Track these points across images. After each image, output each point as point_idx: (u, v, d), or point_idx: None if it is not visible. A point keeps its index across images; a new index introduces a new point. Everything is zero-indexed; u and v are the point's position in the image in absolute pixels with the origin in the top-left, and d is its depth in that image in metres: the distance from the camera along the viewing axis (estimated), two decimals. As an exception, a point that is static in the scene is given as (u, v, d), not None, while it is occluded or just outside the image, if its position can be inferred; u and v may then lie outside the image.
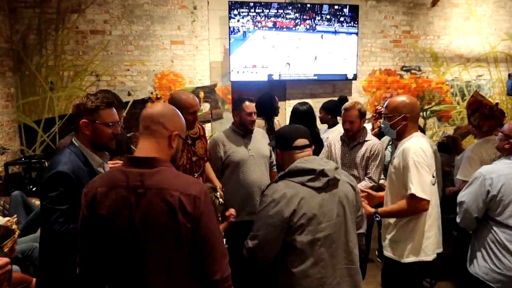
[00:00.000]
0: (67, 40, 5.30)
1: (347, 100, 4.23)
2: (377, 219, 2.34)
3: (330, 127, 4.14)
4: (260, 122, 3.77)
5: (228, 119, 5.59)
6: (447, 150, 3.61)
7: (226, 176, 3.13)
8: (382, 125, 2.49)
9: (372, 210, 2.36)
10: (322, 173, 1.82)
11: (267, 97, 3.97)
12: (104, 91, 2.55)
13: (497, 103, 3.22)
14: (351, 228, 1.90)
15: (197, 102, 2.70)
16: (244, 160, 3.07)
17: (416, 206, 2.21)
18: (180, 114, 1.59)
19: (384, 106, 2.48)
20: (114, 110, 1.98)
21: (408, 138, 2.34)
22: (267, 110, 3.87)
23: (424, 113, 6.64)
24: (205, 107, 5.79)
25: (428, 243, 2.34)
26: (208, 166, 3.05)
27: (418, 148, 2.24)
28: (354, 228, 1.94)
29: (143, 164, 1.44)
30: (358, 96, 6.30)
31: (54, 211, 1.75)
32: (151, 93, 5.59)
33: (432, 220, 2.35)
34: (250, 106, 3.04)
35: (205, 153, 2.92)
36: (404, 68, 6.47)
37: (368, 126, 3.52)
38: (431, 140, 3.10)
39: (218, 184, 2.93)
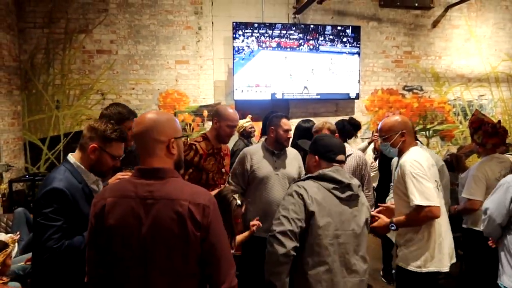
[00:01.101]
0: (74, 59, 5.40)
1: (358, 123, 4.30)
2: (393, 228, 2.36)
3: None
4: None
5: (231, 138, 5.60)
6: (451, 168, 3.61)
7: (249, 192, 3.10)
8: (382, 148, 2.55)
9: (388, 220, 2.39)
10: (349, 187, 1.97)
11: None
12: (116, 104, 2.55)
13: (499, 121, 3.23)
14: (362, 242, 2.00)
15: (238, 118, 2.85)
16: (268, 177, 3.03)
17: (426, 215, 2.22)
18: (172, 117, 1.56)
19: (378, 129, 2.55)
20: (123, 145, 1.99)
21: (406, 153, 2.40)
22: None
23: (427, 132, 6.66)
24: (209, 125, 5.82)
25: (444, 252, 2.34)
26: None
27: (413, 161, 2.30)
28: (365, 244, 2.04)
29: (151, 175, 1.45)
30: (360, 115, 6.34)
31: (49, 227, 1.74)
32: (156, 111, 5.62)
33: (445, 227, 2.38)
34: (287, 123, 3.06)
35: (228, 170, 3.02)
36: (406, 88, 6.53)
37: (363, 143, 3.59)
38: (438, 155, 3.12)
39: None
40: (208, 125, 5.83)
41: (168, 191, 1.43)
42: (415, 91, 6.57)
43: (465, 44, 6.62)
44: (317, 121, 4.50)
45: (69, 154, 1.95)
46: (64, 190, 1.77)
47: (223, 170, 2.89)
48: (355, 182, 2.01)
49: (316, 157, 2.09)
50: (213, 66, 5.78)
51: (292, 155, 3.23)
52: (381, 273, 4.20)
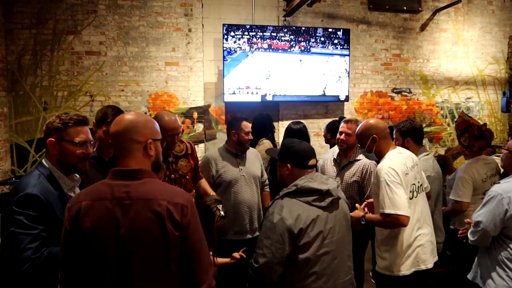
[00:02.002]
0: (62, 60, 5.34)
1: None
2: (363, 223, 2.40)
3: (331, 147, 4.16)
4: (267, 142, 3.81)
5: (221, 139, 5.61)
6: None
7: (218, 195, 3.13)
8: (362, 153, 2.59)
9: (362, 214, 2.41)
10: (328, 193, 1.92)
11: (266, 117, 4.05)
12: (113, 107, 2.43)
13: (485, 123, 3.28)
14: (347, 244, 2.01)
15: (179, 126, 2.66)
16: (236, 179, 3.09)
17: (393, 222, 2.26)
18: (151, 119, 1.56)
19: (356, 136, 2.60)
20: (86, 129, 1.86)
21: (384, 157, 2.44)
22: (266, 130, 3.94)
23: (415, 134, 6.71)
24: (199, 127, 5.82)
25: (419, 255, 2.39)
26: (205, 183, 3.03)
27: (389, 168, 2.32)
28: (350, 243, 2.05)
29: (128, 176, 1.44)
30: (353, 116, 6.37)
31: (25, 236, 1.60)
32: (145, 113, 5.59)
33: (414, 234, 2.40)
34: (248, 125, 3.11)
35: (190, 171, 2.87)
36: (395, 90, 6.59)
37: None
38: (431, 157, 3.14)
39: (213, 193, 2.94)
40: (198, 127, 5.82)
41: (145, 191, 1.42)
42: (404, 93, 6.64)
43: (453, 48, 6.70)
44: (306, 123, 4.55)
45: (44, 158, 1.85)
46: (39, 196, 1.66)
47: (173, 176, 2.74)
48: (333, 186, 1.96)
49: (288, 165, 2.02)
50: (203, 68, 5.76)
51: (253, 154, 3.30)
52: (371, 274, 4.22)
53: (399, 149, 2.52)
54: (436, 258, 2.56)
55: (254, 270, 1.87)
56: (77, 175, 1.93)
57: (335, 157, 3.25)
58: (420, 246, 2.41)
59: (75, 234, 1.39)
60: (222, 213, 2.29)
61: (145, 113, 5.59)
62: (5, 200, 1.75)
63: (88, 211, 1.39)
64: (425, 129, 6.74)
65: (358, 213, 2.42)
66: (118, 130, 1.47)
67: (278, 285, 1.89)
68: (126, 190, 1.41)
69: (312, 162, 2.03)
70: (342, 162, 3.15)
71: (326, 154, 3.69)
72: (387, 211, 2.24)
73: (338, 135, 3.16)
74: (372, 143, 2.45)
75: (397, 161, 2.38)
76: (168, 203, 1.40)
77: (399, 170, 2.32)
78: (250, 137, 3.13)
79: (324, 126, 4.41)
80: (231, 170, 3.11)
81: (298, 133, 3.75)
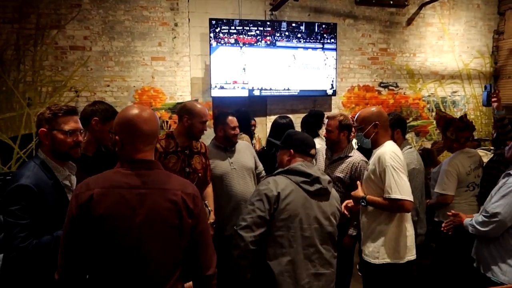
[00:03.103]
0: (46, 55, 5.26)
1: (319, 112, 4.33)
2: (363, 204, 2.45)
3: None
4: (246, 137, 3.82)
5: (209, 134, 5.57)
6: (424, 163, 3.67)
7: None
8: (356, 138, 2.58)
9: (361, 194, 2.46)
10: (317, 180, 2.00)
11: (244, 113, 4.07)
12: (101, 102, 2.49)
13: (465, 114, 3.33)
14: (327, 236, 2.04)
15: (207, 113, 2.81)
16: (226, 173, 3.08)
17: (399, 207, 2.31)
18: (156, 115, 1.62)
19: (354, 120, 2.58)
20: (75, 118, 1.94)
21: (382, 145, 2.44)
22: (245, 126, 3.95)
23: (402, 128, 6.77)
24: (206, 128, 5.77)
25: (406, 246, 2.43)
26: (210, 190, 3.02)
27: (393, 153, 2.36)
28: (334, 239, 2.09)
29: (142, 166, 1.49)
30: (337, 112, 6.39)
31: (15, 225, 1.69)
32: (132, 109, 5.54)
33: (409, 222, 2.46)
34: (233, 120, 3.12)
35: (202, 169, 2.90)
36: (382, 85, 6.63)
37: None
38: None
39: (211, 218, 2.89)
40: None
41: (160, 181, 1.48)
42: (390, 87, 6.68)
43: (439, 42, 6.76)
44: (294, 118, 4.55)
45: (39, 149, 1.92)
46: (30, 187, 1.72)
47: (187, 169, 2.78)
48: (324, 177, 2.06)
49: (291, 150, 2.14)
50: (190, 63, 5.72)
51: (243, 146, 3.30)
52: (358, 266, 4.25)
53: (392, 142, 2.54)
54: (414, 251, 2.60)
55: (235, 234, 1.97)
56: (73, 164, 2.01)
57: (326, 152, 3.26)
58: (409, 236, 2.46)
59: (85, 220, 1.41)
60: (209, 208, 2.35)
61: (132, 108, 5.52)
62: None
63: (101, 198, 1.41)
64: (411, 123, 6.80)
65: (358, 192, 2.49)
66: (154, 128, 1.53)
67: (258, 264, 1.97)
68: (142, 179, 1.46)
69: (313, 151, 2.16)
70: (333, 157, 3.15)
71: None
72: (393, 196, 2.27)
73: (324, 133, 3.21)
74: (372, 129, 2.47)
75: (398, 149, 2.43)
76: (182, 192, 1.49)
77: (401, 156, 2.38)
78: (237, 131, 3.13)
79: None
80: (221, 164, 3.10)
81: (285, 127, 3.74)
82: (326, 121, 3.20)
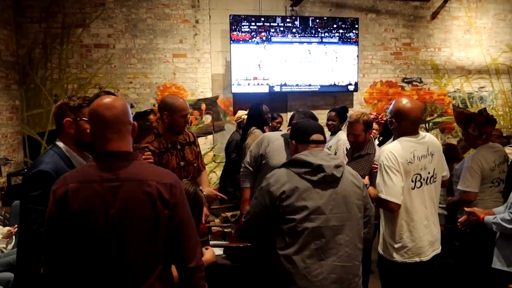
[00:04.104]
0: (72, 53, 5.41)
1: (346, 109, 4.24)
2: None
3: (332, 134, 4.08)
4: (259, 132, 3.81)
5: (229, 130, 5.62)
6: (446, 158, 3.56)
7: (258, 179, 3.05)
8: (390, 126, 2.53)
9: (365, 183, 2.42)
10: (320, 169, 1.89)
11: (255, 107, 4.05)
12: (106, 92, 2.53)
13: (484, 108, 3.21)
14: (347, 227, 1.92)
15: (188, 106, 2.74)
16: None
17: (384, 206, 2.33)
18: (124, 101, 1.59)
19: (388, 112, 2.53)
20: None
21: (391, 141, 2.40)
22: (258, 121, 3.94)
23: (427, 124, 6.63)
24: (207, 119, 5.84)
25: (419, 244, 2.36)
26: (205, 175, 3.05)
27: (389, 153, 2.30)
28: (354, 228, 1.95)
29: (115, 158, 1.46)
30: (359, 108, 6.31)
31: (34, 211, 1.71)
32: (154, 105, 5.64)
33: (414, 225, 2.35)
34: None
35: (195, 159, 2.90)
36: (405, 80, 6.50)
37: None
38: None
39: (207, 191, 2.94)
40: (206, 118, 5.84)
41: (134, 172, 1.45)
42: (414, 83, 6.54)
43: (465, 36, 6.56)
44: (316, 114, 4.50)
45: (58, 139, 1.94)
46: (50, 173, 1.74)
47: (182, 163, 2.77)
48: (330, 163, 1.92)
49: (293, 142, 2.10)
50: (211, 59, 5.77)
51: None
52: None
53: (420, 134, 2.44)
54: (439, 251, 2.51)
55: (243, 223, 2.08)
56: (89, 155, 2.02)
57: (347, 148, 3.21)
58: (418, 236, 2.36)
59: (62, 216, 1.41)
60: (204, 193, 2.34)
61: (153, 105, 5.63)
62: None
63: (76, 194, 1.40)
64: (436, 119, 6.65)
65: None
66: (116, 114, 1.47)
67: (269, 251, 1.97)
68: (115, 171, 1.43)
69: (315, 137, 2.03)
70: (354, 154, 3.10)
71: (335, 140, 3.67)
72: (380, 195, 2.29)
73: (347, 136, 3.09)
74: (396, 123, 2.41)
75: (402, 147, 2.32)
76: (157, 183, 1.43)
77: (401, 157, 2.28)
78: None
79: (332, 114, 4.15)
80: (279, 156, 2.95)
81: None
82: (348, 125, 3.07)
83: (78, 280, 1.45)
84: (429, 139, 2.49)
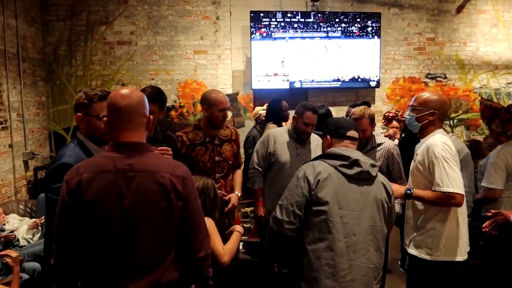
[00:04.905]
0: (95, 51, 5.52)
1: (368, 104, 4.19)
2: (408, 192, 2.27)
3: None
4: (273, 126, 3.80)
5: (249, 126, 5.62)
6: (471, 155, 3.48)
7: (269, 177, 3.10)
8: (407, 116, 2.44)
9: (403, 189, 2.29)
10: (356, 163, 1.87)
11: (274, 103, 4.03)
12: (149, 87, 2.51)
13: (510, 105, 3.11)
14: (375, 228, 1.88)
15: (227, 100, 2.74)
16: (290, 163, 3.01)
17: (450, 201, 2.16)
18: (142, 93, 1.58)
19: (414, 98, 2.45)
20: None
21: (432, 134, 2.30)
22: (276, 116, 3.93)
23: (451, 121, 6.48)
24: (227, 115, 5.85)
25: (458, 242, 2.27)
26: (239, 176, 3.00)
27: (445, 144, 2.20)
28: (380, 231, 1.91)
29: (129, 149, 1.47)
30: (381, 104, 6.23)
31: (58, 202, 1.73)
32: (175, 101, 5.71)
33: (463, 218, 2.29)
34: (310, 117, 2.98)
35: (232, 156, 2.88)
36: (429, 76, 6.36)
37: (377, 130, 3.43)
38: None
39: (238, 190, 2.92)
40: (228, 114, 5.85)
41: (148, 163, 1.46)
42: (438, 79, 6.39)
43: (492, 30, 6.36)
44: (336, 111, 4.48)
45: (77, 132, 1.97)
46: (72, 165, 1.73)
47: (217, 158, 2.77)
48: (366, 160, 1.91)
49: (328, 137, 2.05)
50: (231, 56, 5.79)
51: (316, 143, 3.15)
52: (399, 263, 4.14)
53: (445, 132, 2.40)
54: (468, 248, 2.44)
55: (273, 221, 1.89)
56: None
57: None
58: (459, 233, 2.29)
59: (76, 206, 1.42)
60: (236, 193, 2.37)
61: (175, 101, 5.70)
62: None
63: (90, 184, 1.41)
64: (461, 116, 6.48)
65: (398, 187, 2.29)
66: (131, 104, 1.47)
67: (296, 245, 1.90)
68: (129, 162, 1.44)
69: (351, 133, 2.01)
70: (364, 148, 3.06)
71: None
72: (445, 189, 2.13)
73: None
74: (427, 116, 2.31)
75: (448, 141, 2.26)
76: (171, 175, 1.46)
77: (454, 148, 2.22)
78: (308, 129, 3.01)
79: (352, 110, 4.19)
80: (288, 152, 3.02)
81: (324, 118, 3.68)
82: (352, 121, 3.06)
83: (90, 269, 1.47)
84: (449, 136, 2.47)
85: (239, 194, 2.91)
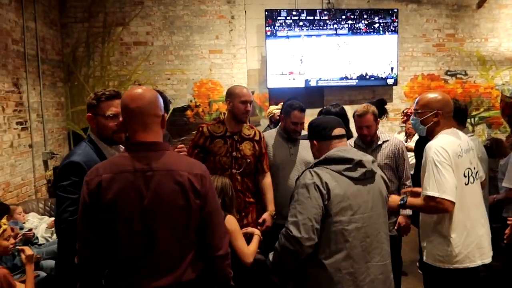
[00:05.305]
0: (113, 51, 5.60)
1: (381, 100, 4.11)
2: (402, 202, 2.22)
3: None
4: None
5: (264, 126, 5.61)
6: (491, 154, 3.36)
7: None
8: (411, 121, 2.38)
9: (398, 198, 2.24)
10: (360, 164, 1.80)
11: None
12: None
13: None
14: (383, 223, 1.86)
15: (250, 94, 2.79)
16: (285, 164, 3.01)
17: (435, 206, 2.07)
18: (155, 93, 1.57)
19: (415, 102, 2.39)
20: (117, 102, 1.90)
21: (436, 136, 2.23)
22: None
23: (472, 119, 6.32)
24: (250, 108, 5.84)
25: (471, 247, 2.16)
26: (268, 181, 2.95)
27: (439, 147, 2.12)
28: (386, 224, 1.90)
29: (147, 148, 1.48)
30: (399, 102, 6.12)
31: (66, 199, 1.76)
32: (190, 101, 5.74)
33: (472, 223, 2.18)
34: (298, 116, 2.94)
35: (252, 156, 2.85)
36: (448, 73, 6.22)
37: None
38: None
39: (271, 209, 2.86)
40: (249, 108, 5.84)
41: (165, 162, 1.47)
42: (458, 76, 6.24)
43: (515, 25, 6.18)
44: (352, 110, 4.40)
45: (90, 131, 2.01)
46: (80, 164, 1.80)
47: (235, 154, 2.77)
48: (367, 158, 1.85)
49: (314, 142, 1.95)
50: (246, 55, 5.78)
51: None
52: (418, 264, 4.06)
53: (453, 130, 2.31)
54: (492, 253, 2.35)
55: (290, 240, 1.73)
56: (122, 147, 2.06)
57: (356, 142, 3.08)
58: (478, 237, 2.19)
59: (97, 206, 1.44)
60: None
61: (190, 101, 5.73)
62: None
63: (109, 184, 1.43)
64: (482, 114, 6.32)
65: (393, 198, 2.24)
66: (141, 105, 1.48)
67: (307, 260, 1.80)
68: (147, 162, 1.45)
69: (337, 131, 1.90)
70: (370, 146, 3.01)
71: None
72: (430, 193, 2.06)
73: (358, 130, 3.01)
74: (431, 118, 2.24)
75: (449, 141, 2.17)
76: (189, 173, 1.47)
77: (451, 151, 2.12)
78: (298, 128, 2.98)
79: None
80: (281, 153, 3.03)
81: (336, 117, 3.62)
82: (356, 118, 2.98)
83: (112, 268, 1.50)
84: (463, 134, 2.35)
85: (273, 213, 2.85)
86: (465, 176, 2.17)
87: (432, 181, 2.07)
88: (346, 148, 1.88)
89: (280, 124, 3.14)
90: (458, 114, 2.78)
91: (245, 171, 2.84)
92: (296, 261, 1.80)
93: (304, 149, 3.06)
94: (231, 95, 2.76)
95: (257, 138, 2.91)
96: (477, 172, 2.27)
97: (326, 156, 1.84)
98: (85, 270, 1.51)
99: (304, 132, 3.15)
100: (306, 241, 1.70)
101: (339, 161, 1.81)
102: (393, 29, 5.76)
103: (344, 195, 1.75)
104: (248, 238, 2.33)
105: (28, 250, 2.61)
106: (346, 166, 1.79)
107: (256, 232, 2.33)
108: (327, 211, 1.74)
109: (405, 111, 4.88)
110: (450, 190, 2.04)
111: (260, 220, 2.78)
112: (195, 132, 2.92)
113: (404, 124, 5.00)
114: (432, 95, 2.29)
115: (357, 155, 1.84)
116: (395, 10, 5.75)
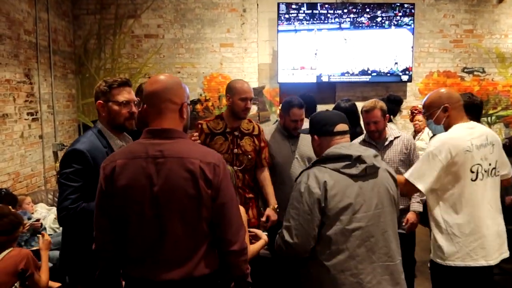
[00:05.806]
0: (124, 44, 5.59)
1: (398, 98, 4.01)
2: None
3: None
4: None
5: (275, 121, 5.55)
6: (509, 152, 3.23)
7: (272, 181, 3.00)
8: (428, 125, 2.34)
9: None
10: (359, 160, 1.72)
11: (309, 98, 3.90)
12: (145, 83, 2.58)
13: None
14: (390, 221, 1.78)
15: (251, 90, 2.70)
16: (288, 161, 2.97)
17: (407, 189, 2.17)
18: (182, 83, 1.57)
19: (422, 106, 2.35)
20: (128, 89, 1.96)
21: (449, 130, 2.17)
22: (311, 112, 3.81)
23: (489, 118, 6.14)
24: (253, 109, 5.79)
25: (481, 246, 2.10)
26: (266, 175, 2.92)
27: (442, 142, 2.10)
28: (395, 222, 1.82)
29: (161, 135, 1.47)
30: (413, 100, 5.98)
31: (68, 187, 1.76)
32: (200, 94, 5.71)
33: (479, 222, 2.11)
34: (297, 113, 2.89)
35: (253, 151, 2.82)
36: (465, 70, 6.05)
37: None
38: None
39: (273, 203, 2.83)
40: (252, 108, 5.78)
41: (178, 149, 1.44)
42: (476, 73, 6.06)
43: (537, 21, 5.97)
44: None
45: (98, 120, 2.00)
46: (84, 152, 1.80)
47: (236, 150, 2.72)
48: (368, 152, 1.76)
49: (315, 137, 1.89)
50: (258, 49, 5.71)
51: (308, 135, 3.10)
52: (429, 265, 3.96)
53: (471, 123, 2.24)
54: (506, 255, 2.25)
55: (283, 243, 1.75)
56: (129, 137, 2.08)
57: (366, 139, 3.00)
58: (483, 237, 2.13)
59: (111, 192, 1.44)
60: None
61: (200, 94, 5.69)
62: None
63: (123, 169, 1.43)
64: (500, 113, 6.14)
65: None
66: (156, 90, 1.47)
67: (307, 262, 1.76)
68: (160, 148, 1.43)
69: (339, 127, 1.82)
70: (382, 143, 2.93)
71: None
72: (408, 176, 2.12)
73: (366, 126, 2.96)
74: (442, 114, 2.19)
75: (458, 136, 2.12)
76: (201, 162, 1.43)
77: (455, 147, 2.07)
78: (297, 125, 2.93)
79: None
80: (282, 151, 2.99)
81: (346, 112, 3.54)
82: (364, 114, 2.92)
83: (126, 255, 1.49)
84: (486, 129, 2.27)
85: (275, 206, 2.81)
86: (472, 172, 2.10)
87: (414, 166, 2.17)
88: (346, 144, 1.80)
89: (279, 121, 3.10)
90: (473, 109, 2.68)
91: (246, 167, 2.81)
92: (295, 259, 1.79)
93: (306, 145, 2.99)
94: (231, 90, 2.68)
95: (256, 132, 2.88)
96: (493, 169, 2.18)
97: (324, 154, 1.79)
98: (102, 256, 1.51)
99: (305, 125, 3.09)
100: (299, 247, 1.71)
101: (337, 159, 1.74)
102: (409, 24, 5.62)
103: (343, 194, 1.68)
104: (252, 238, 2.28)
105: (46, 236, 2.62)
106: (345, 163, 1.72)
107: (264, 237, 2.26)
108: (326, 212, 1.68)
109: (411, 109, 4.87)
110: (425, 180, 2.10)
111: (264, 219, 2.73)
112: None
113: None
114: (432, 93, 2.29)
115: (357, 150, 1.76)
116: (412, 5, 5.60)
